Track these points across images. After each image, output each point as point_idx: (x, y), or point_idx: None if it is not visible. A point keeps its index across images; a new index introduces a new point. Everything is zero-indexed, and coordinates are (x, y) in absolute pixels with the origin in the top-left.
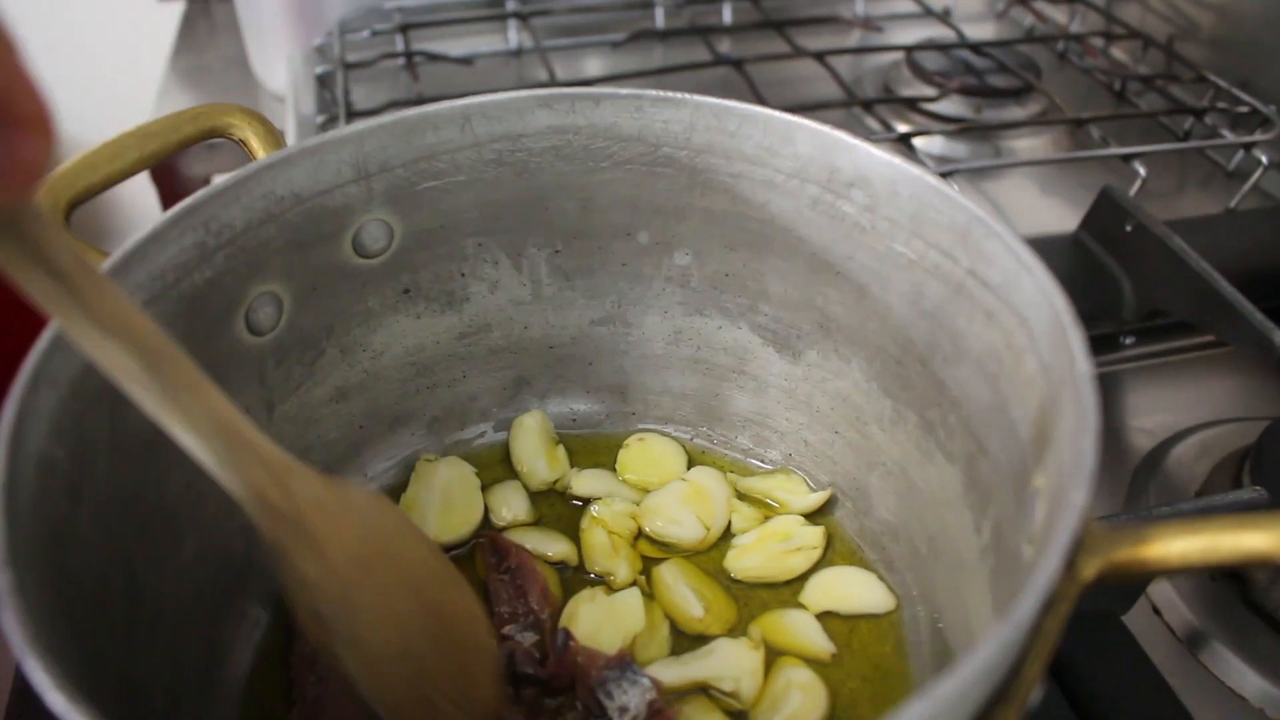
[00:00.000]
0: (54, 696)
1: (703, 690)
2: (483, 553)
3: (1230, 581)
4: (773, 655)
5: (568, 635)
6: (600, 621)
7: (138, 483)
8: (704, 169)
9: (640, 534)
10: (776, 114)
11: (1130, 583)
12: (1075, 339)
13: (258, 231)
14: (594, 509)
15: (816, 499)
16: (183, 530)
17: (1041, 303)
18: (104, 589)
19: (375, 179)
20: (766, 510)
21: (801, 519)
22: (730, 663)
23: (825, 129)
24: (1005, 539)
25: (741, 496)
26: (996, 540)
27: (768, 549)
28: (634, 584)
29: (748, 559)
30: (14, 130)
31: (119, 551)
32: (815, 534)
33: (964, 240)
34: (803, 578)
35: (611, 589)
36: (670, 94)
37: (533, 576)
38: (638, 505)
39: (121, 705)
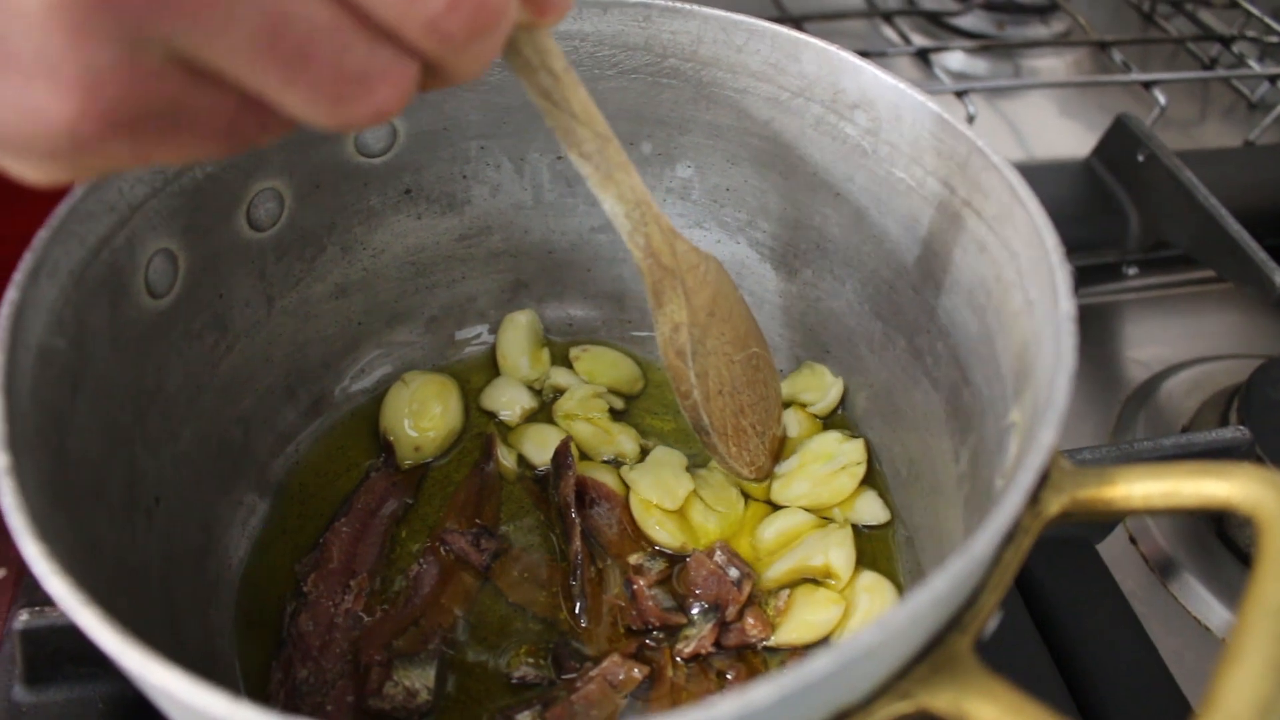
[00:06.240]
0: (53, 582)
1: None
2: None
3: (1206, 515)
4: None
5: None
6: (666, 479)
7: (137, 372)
8: (709, 82)
9: (612, 409)
10: (784, 30)
11: (1094, 519)
12: (1061, 278)
13: None
14: (557, 409)
15: (834, 395)
16: (181, 419)
17: (1032, 239)
18: (103, 476)
19: None
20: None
21: (839, 435)
22: (820, 544)
23: (832, 48)
24: (980, 469)
25: None
26: (973, 469)
27: (812, 473)
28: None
29: (794, 487)
30: None
31: (118, 439)
32: (856, 448)
33: (963, 170)
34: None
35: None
36: (678, 4)
37: (617, 501)
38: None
39: (117, 592)
